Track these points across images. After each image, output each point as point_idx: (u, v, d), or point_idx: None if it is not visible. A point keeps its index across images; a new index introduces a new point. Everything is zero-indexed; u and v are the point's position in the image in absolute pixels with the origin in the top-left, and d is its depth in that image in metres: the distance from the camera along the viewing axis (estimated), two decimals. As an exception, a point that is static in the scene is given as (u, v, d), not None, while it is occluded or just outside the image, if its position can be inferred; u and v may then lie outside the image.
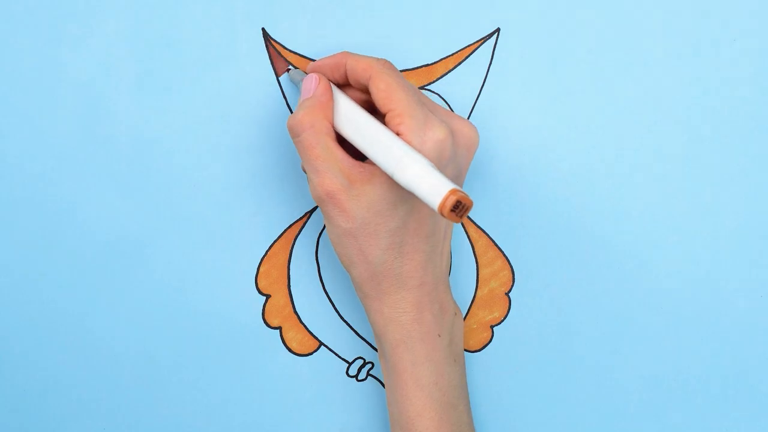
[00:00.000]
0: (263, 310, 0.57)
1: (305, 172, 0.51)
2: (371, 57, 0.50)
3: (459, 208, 0.43)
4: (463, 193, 0.43)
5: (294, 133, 0.50)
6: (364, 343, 0.58)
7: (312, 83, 0.51)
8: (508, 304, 0.58)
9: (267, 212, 0.57)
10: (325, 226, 0.57)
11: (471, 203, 0.43)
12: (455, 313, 0.53)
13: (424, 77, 0.56)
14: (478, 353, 0.58)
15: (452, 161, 0.49)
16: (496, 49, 0.56)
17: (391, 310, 0.51)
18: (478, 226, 0.57)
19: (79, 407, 0.58)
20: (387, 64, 0.49)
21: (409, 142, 0.47)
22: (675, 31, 0.56)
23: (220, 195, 0.57)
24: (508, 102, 0.56)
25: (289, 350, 0.58)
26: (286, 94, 0.56)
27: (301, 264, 0.57)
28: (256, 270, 0.57)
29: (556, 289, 0.57)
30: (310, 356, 0.58)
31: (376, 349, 0.58)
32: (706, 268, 0.57)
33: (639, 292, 0.57)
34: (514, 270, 0.57)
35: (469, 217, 0.57)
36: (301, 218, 0.57)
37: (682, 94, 0.56)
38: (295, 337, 0.58)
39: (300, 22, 0.55)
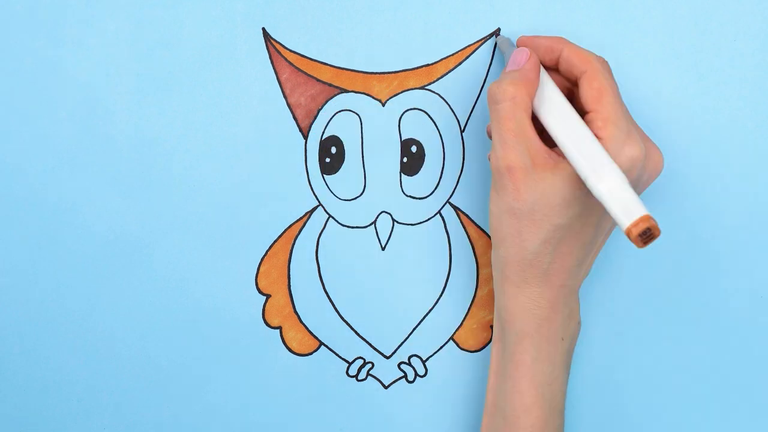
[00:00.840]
0: (263, 309, 0.57)
1: (490, 138, 0.50)
2: (590, 52, 0.50)
3: (646, 235, 0.42)
4: (655, 221, 0.42)
5: (493, 100, 0.49)
6: (364, 343, 0.58)
7: (523, 57, 0.50)
8: (508, 304, 0.58)
9: (267, 212, 0.57)
10: (325, 226, 0.57)
11: (659, 233, 0.42)
12: (578, 323, 0.53)
13: (424, 77, 0.56)
14: (478, 353, 0.58)
15: (636, 182, 0.48)
16: (496, 49, 0.56)
17: (527, 301, 0.50)
18: (478, 226, 0.57)
19: (79, 406, 0.58)
20: (605, 65, 0.49)
21: (606, 150, 0.46)
22: (675, 30, 0.55)
23: (220, 195, 0.57)
24: (508, 102, 0.56)
25: (289, 350, 0.58)
26: (286, 93, 0.56)
27: (301, 264, 0.57)
28: (256, 270, 0.57)
29: (556, 289, 0.57)
30: (310, 356, 0.58)
31: (376, 349, 0.58)
32: (706, 268, 0.57)
33: (639, 292, 0.57)
34: (514, 270, 0.57)
35: (469, 217, 0.57)
36: (301, 218, 0.57)
37: (683, 94, 0.56)
38: (295, 337, 0.58)
39: (300, 21, 0.55)
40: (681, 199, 0.57)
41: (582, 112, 0.49)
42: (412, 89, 0.56)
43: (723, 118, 0.56)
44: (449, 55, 0.56)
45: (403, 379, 0.58)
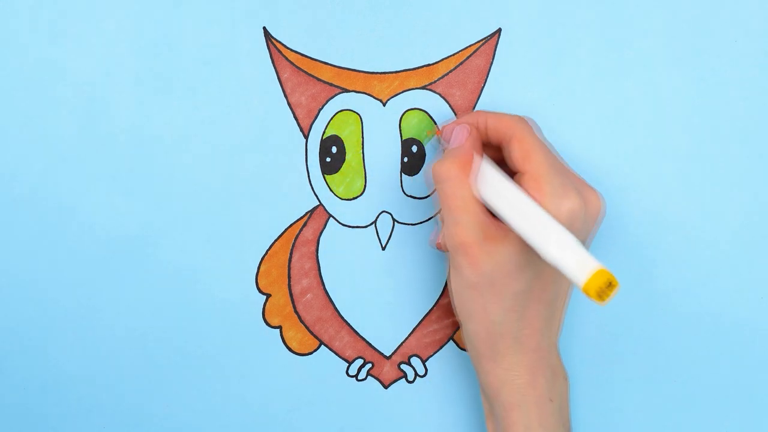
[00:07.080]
0: (263, 309, 0.57)
1: (441, 220, 0.51)
2: (511, 115, 0.51)
3: (603, 290, 0.43)
4: (610, 273, 0.43)
5: (438, 180, 0.50)
6: (364, 343, 0.58)
7: (463, 133, 0.51)
8: (508, 304, 0.58)
9: (267, 212, 0.57)
10: (326, 226, 0.57)
11: (618, 285, 0.43)
12: (565, 378, 0.53)
13: (425, 77, 0.56)
14: (478, 353, 0.58)
15: (581, 231, 0.49)
16: (497, 49, 0.56)
17: (505, 373, 0.50)
18: (479, 226, 0.57)
19: (79, 406, 0.57)
20: (527, 124, 0.50)
21: (545, 208, 0.47)
22: (676, 31, 0.56)
23: (220, 195, 0.57)
24: (509, 102, 0.56)
25: (289, 350, 0.58)
26: (287, 93, 0.56)
27: (301, 264, 0.57)
28: (256, 269, 0.57)
29: (556, 288, 0.57)
30: (310, 356, 0.58)
31: (376, 349, 0.58)
32: (706, 269, 0.57)
33: (639, 292, 0.57)
34: (515, 270, 0.57)
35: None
36: (301, 218, 0.57)
37: (683, 94, 0.56)
38: (295, 336, 0.58)
39: (301, 21, 0.55)
40: (681, 200, 0.57)
41: (513, 174, 0.50)
42: (412, 89, 0.56)
43: (724, 118, 0.56)
44: (450, 55, 0.56)
45: (403, 379, 0.58)
